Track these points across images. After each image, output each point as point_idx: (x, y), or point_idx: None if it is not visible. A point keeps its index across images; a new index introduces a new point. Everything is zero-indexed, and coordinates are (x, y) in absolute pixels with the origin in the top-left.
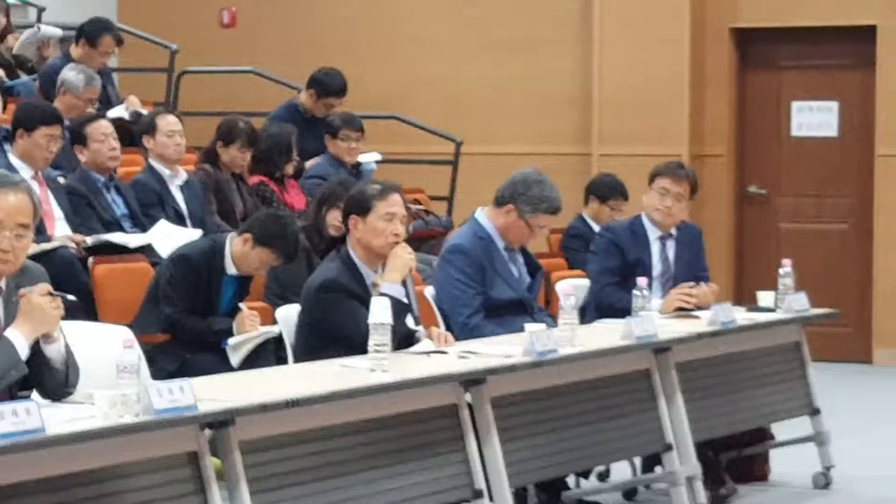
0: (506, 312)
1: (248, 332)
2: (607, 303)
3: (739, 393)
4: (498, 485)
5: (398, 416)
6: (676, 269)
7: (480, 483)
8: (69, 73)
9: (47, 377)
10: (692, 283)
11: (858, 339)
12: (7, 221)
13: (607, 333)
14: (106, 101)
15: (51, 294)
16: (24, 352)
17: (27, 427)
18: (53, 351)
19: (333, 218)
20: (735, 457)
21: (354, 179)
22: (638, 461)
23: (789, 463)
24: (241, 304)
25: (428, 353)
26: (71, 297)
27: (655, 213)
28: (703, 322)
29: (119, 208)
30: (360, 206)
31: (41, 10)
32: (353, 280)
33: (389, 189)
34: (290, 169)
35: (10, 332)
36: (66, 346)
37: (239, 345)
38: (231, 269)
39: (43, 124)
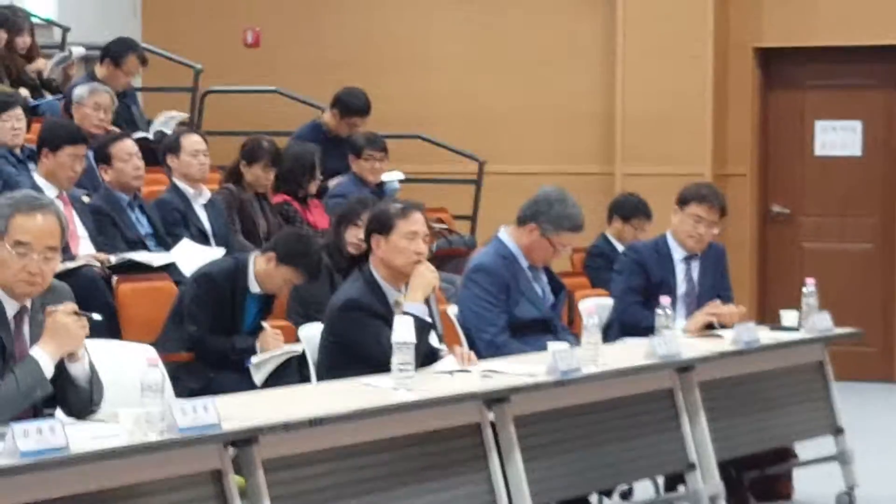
0: (529, 331)
1: (271, 350)
2: (631, 322)
3: (763, 412)
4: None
5: (421, 435)
6: (701, 289)
7: (503, 502)
8: (76, 90)
9: (72, 395)
10: (718, 303)
11: (882, 358)
12: (36, 244)
13: (631, 352)
14: (130, 121)
15: (76, 313)
16: (49, 370)
17: (51, 445)
18: (78, 369)
19: (352, 235)
20: (758, 476)
21: (373, 197)
22: (661, 480)
23: (813, 482)
24: (264, 323)
25: (451, 371)
26: (97, 316)
27: (688, 239)
28: (726, 341)
29: (143, 227)
30: (382, 225)
31: (66, 29)
32: (375, 299)
33: (411, 207)
34: (313, 188)
35: (35, 351)
36: (91, 364)
37: (262, 363)
38: (254, 288)
39: (68, 144)
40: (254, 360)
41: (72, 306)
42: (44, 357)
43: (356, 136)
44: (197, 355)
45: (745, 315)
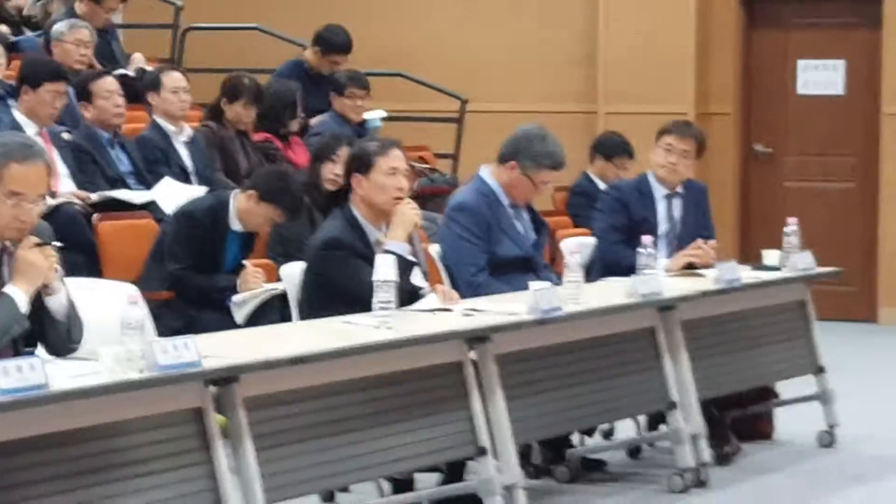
0: (511, 270)
1: (252, 289)
2: (613, 261)
3: (744, 351)
4: (502, 442)
5: (403, 374)
6: (682, 228)
7: (484, 440)
8: (56, 26)
9: (50, 331)
10: (700, 242)
11: (863, 298)
12: (29, 194)
13: (612, 291)
14: (111, 58)
15: (38, 245)
16: (24, 306)
17: (31, 383)
18: (55, 303)
19: (329, 171)
20: (740, 415)
21: (352, 134)
22: (642, 419)
23: (794, 421)
24: (245, 262)
25: (433, 310)
26: (57, 244)
27: (660, 169)
28: (708, 280)
29: (124, 165)
30: (362, 164)
31: None
32: (356, 238)
33: (390, 144)
34: (294, 126)
35: (8, 289)
36: (70, 300)
37: (243, 302)
38: (235, 226)
39: (48, 80)
40: (235, 298)
41: (33, 240)
42: (17, 293)
43: (338, 74)
44: (178, 293)
45: (727, 254)
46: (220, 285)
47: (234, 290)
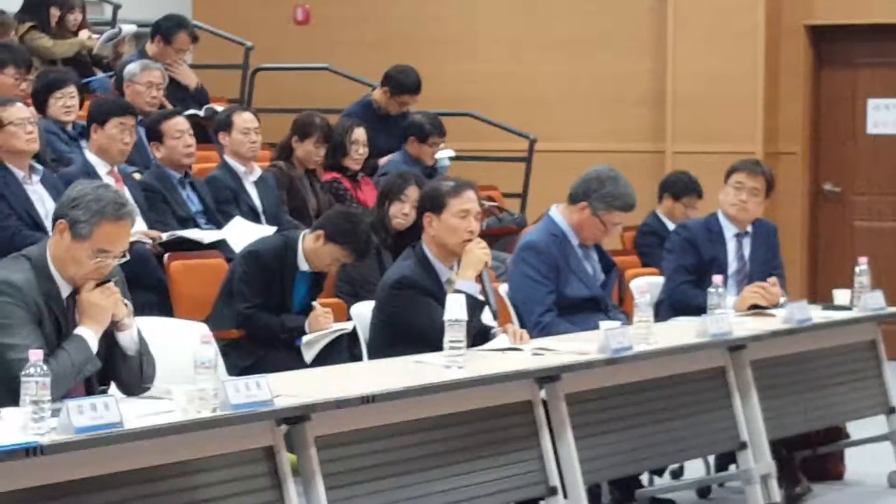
0: (580, 310)
1: (321, 329)
2: (682, 301)
3: (815, 391)
4: (572, 482)
5: (473, 413)
6: (752, 267)
7: (554, 480)
8: (128, 67)
9: (123, 368)
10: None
11: None
12: (115, 251)
13: (682, 331)
14: (181, 99)
15: (97, 286)
16: (94, 346)
17: (106, 421)
18: (126, 339)
19: (397, 211)
20: (810, 455)
21: (417, 172)
22: (712, 459)
23: (865, 462)
24: (314, 303)
25: (503, 349)
26: (114, 279)
27: (730, 207)
28: (778, 320)
29: (194, 205)
30: (434, 204)
31: (117, 6)
32: (427, 277)
33: (464, 186)
34: (350, 164)
35: (79, 330)
36: (140, 336)
37: (312, 341)
38: (303, 266)
39: (114, 115)
40: (304, 339)
41: (91, 283)
42: (88, 333)
43: (417, 119)
44: (246, 332)
45: (797, 293)
46: (289, 326)
47: (303, 331)
